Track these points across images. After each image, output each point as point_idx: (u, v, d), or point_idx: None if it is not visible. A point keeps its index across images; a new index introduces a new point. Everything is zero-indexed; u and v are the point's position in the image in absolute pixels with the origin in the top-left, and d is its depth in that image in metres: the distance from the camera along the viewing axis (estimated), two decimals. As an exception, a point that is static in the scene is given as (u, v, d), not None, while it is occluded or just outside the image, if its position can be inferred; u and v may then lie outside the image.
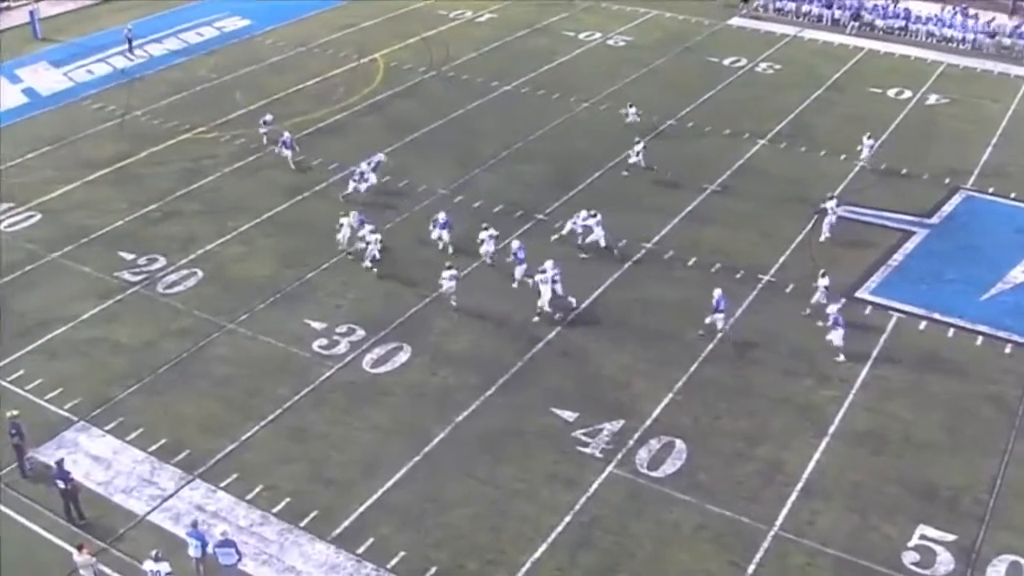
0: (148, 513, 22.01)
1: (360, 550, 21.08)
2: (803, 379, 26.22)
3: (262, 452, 23.76)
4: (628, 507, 22.20)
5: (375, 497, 22.42)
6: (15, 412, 23.03)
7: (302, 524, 21.69)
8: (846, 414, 25.02)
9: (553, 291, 28.10)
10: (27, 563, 20.78)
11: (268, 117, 38.65)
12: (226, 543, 19.83)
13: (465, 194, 35.14)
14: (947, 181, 36.42)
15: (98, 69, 46.83)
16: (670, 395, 25.62)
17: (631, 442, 23.99)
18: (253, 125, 39.17)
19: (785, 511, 22.08)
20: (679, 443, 23.98)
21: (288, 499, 22.33)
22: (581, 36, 50.80)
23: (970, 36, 50.58)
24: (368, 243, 30.57)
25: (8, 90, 44.44)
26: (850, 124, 40.53)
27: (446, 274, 28.58)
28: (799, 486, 22.76)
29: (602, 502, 22.32)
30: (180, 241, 32.33)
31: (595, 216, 31.31)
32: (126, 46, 48.05)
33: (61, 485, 21.41)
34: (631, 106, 39.45)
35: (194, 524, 20.52)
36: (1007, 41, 50.04)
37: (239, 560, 19.97)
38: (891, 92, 44.39)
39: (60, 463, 21.58)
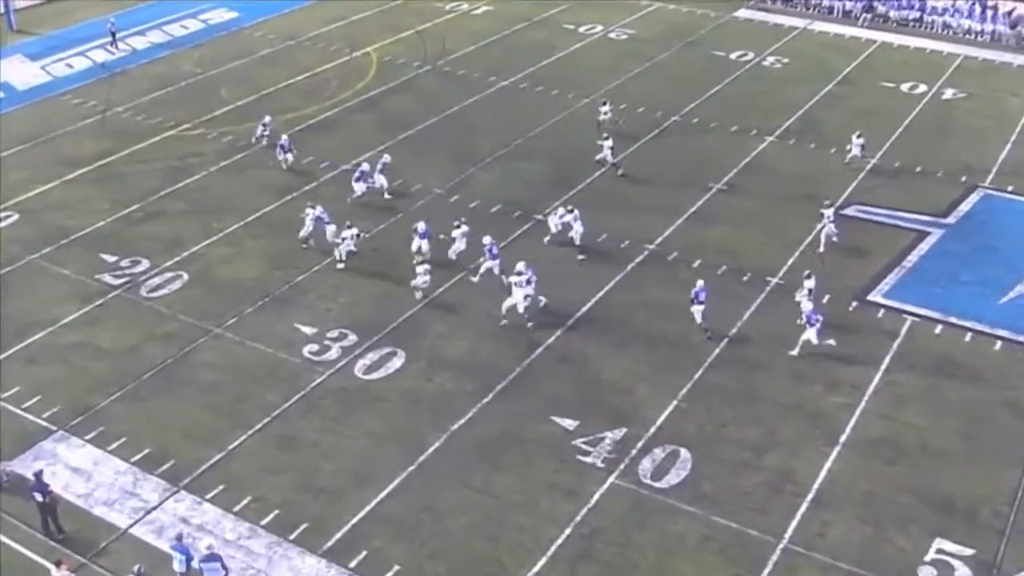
0: (130, 526, 22.00)
1: (352, 564, 21.08)
2: (813, 385, 26.26)
3: (250, 462, 23.77)
4: (631, 518, 22.21)
5: (368, 508, 22.42)
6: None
7: (292, 537, 21.69)
8: (858, 421, 25.05)
9: (525, 295, 28.11)
10: (4, 578, 20.83)
11: (267, 119, 38.45)
12: (212, 557, 19.83)
13: (461, 194, 35.19)
14: (964, 179, 36.48)
15: (77, 63, 46.92)
16: (674, 402, 25.64)
17: (634, 451, 24.01)
18: (241, 122, 39.25)
19: (794, 523, 22.09)
20: (684, 452, 24.00)
21: (277, 511, 22.33)
22: (581, 29, 50.89)
23: (989, 27, 50.65)
24: (343, 239, 30.71)
25: (-18, 85, 44.59)
26: (861, 120, 40.56)
27: (419, 268, 28.90)
28: (809, 497, 22.77)
29: (604, 513, 22.33)
30: (164, 242, 32.36)
31: (572, 211, 31.64)
32: (109, 39, 48.09)
33: (39, 498, 21.37)
34: (604, 103, 39.27)
35: (179, 538, 20.50)
36: (1028, 32, 50.20)
37: (226, 575, 19.98)
38: (905, 86, 44.48)
39: (39, 475, 21.55)
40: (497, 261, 29.77)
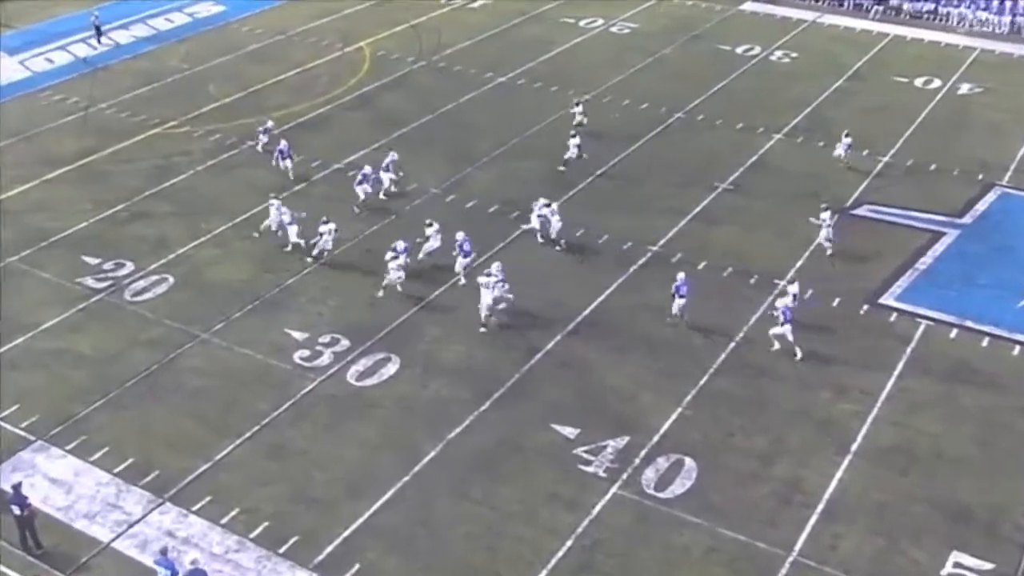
0: (113, 540, 21.93)
1: (344, 578, 21.11)
2: (822, 391, 26.25)
3: (239, 472, 23.73)
4: (634, 530, 22.19)
5: (361, 520, 22.38)
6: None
7: (282, 550, 21.65)
8: (870, 429, 25.03)
9: (496, 297, 28.22)
10: (-20, 595, 20.81)
11: (269, 124, 38.06)
12: (197, 572, 19.77)
13: (457, 193, 35.21)
14: (980, 177, 36.51)
15: (58, 58, 46.95)
16: (679, 409, 25.63)
17: (637, 460, 23.99)
18: (229, 119, 39.26)
19: (804, 535, 22.06)
20: (688, 461, 23.97)
21: (267, 523, 22.29)
22: (582, 23, 50.95)
23: (1007, 19, 50.65)
24: (320, 234, 30.90)
25: (-41, 81, 44.57)
26: (873, 117, 40.68)
27: (393, 264, 29.02)
28: (819, 508, 22.75)
29: (606, 525, 22.31)
30: (149, 244, 32.35)
31: (549, 205, 31.91)
32: (92, 33, 48.04)
33: (17, 511, 21.29)
34: (577, 103, 39.07)
35: (163, 551, 20.46)
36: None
37: (212, 589, 19.99)
38: (918, 81, 44.52)
39: (17, 487, 21.46)
40: (469, 259, 29.96)
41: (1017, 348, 27.89)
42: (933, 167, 37.17)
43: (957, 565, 21.29)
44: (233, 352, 27.59)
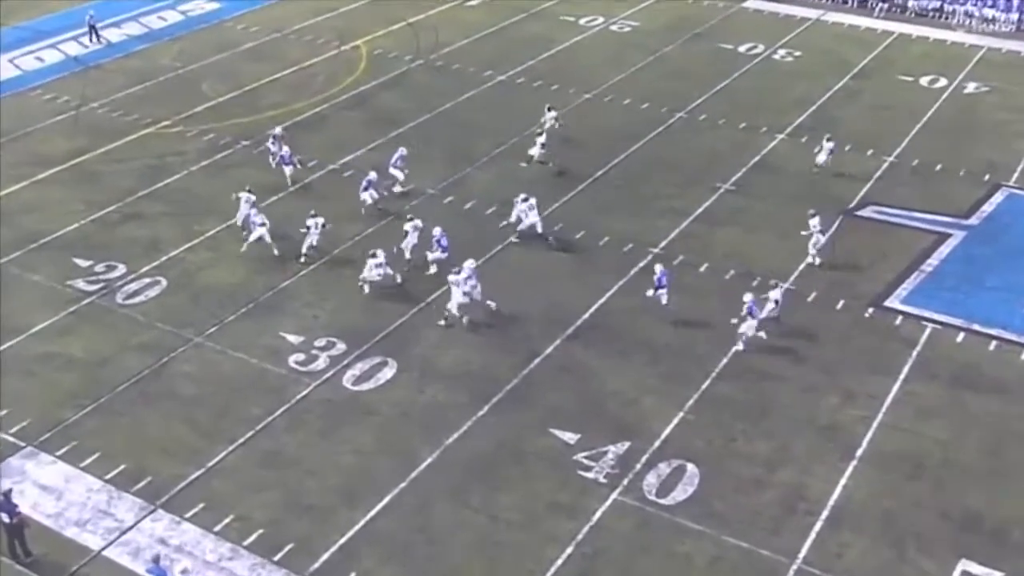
0: (104, 548, 21.86)
1: (340, 587, 21.05)
2: (827, 396, 26.20)
3: (232, 479, 23.66)
4: (635, 538, 22.13)
5: (357, 527, 22.32)
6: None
7: (276, 558, 21.58)
8: (875, 435, 24.98)
9: (469, 296, 28.22)
10: (-31, 604, 20.73)
11: (278, 131, 37.08)
12: (189, 581, 19.78)
13: (456, 194, 35.16)
14: (987, 178, 36.49)
15: (49, 56, 46.87)
16: (680, 414, 25.58)
17: (638, 466, 23.94)
18: (223, 119, 39.18)
19: (809, 543, 22.00)
20: (691, 467, 23.93)
21: (261, 530, 22.22)
22: (582, 21, 50.92)
23: (1014, 16, 50.61)
24: (307, 228, 30.99)
25: (-53, 79, 44.49)
26: (878, 116, 40.63)
27: (371, 262, 29.15)
28: (824, 515, 22.70)
29: (607, 532, 22.25)
30: (142, 246, 32.29)
31: (527, 200, 32.01)
32: (86, 32, 47.83)
33: (6, 519, 21.20)
34: (550, 109, 38.46)
35: (155, 560, 20.42)
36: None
37: (205, 598, 19.93)
38: (924, 80, 44.50)
39: (7, 494, 21.35)
40: (445, 255, 30.04)
41: (1025, 352, 27.91)
42: (939, 167, 37.14)
43: (965, 574, 21.25)
44: (227, 356, 27.52)
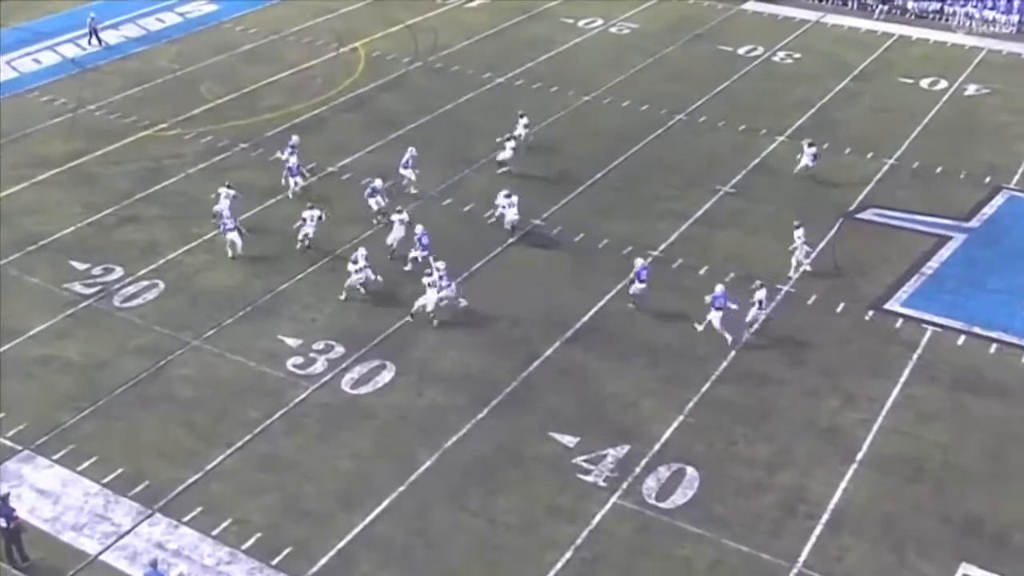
0: (101, 553, 21.83)
1: (338, 591, 21.03)
2: (827, 399, 26.19)
3: (230, 482, 23.64)
4: (635, 541, 22.11)
5: (356, 531, 22.30)
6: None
7: (274, 562, 21.55)
8: (876, 438, 24.98)
9: (446, 298, 28.36)
10: (-36, 609, 20.71)
11: (294, 139, 36.15)
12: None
13: (455, 196, 35.16)
14: (988, 180, 36.50)
15: (46, 58, 46.84)
16: (680, 417, 25.57)
17: (638, 469, 23.92)
18: (220, 121, 39.15)
19: (809, 546, 21.99)
20: (691, 470, 23.92)
21: (259, 534, 22.19)
22: (582, 23, 50.94)
23: (1015, 18, 50.63)
24: (303, 219, 31.21)
25: (-55, 81, 44.47)
26: (878, 118, 40.62)
27: (353, 268, 29.20)
28: (825, 518, 22.68)
29: (606, 536, 22.23)
30: (139, 249, 32.27)
31: (509, 196, 32.40)
32: (86, 34, 47.65)
33: (2, 523, 21.16)
34: (522, 116, 38.10)
35: (153, 564, 20.42)
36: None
37: (203, 603, 19.91)
38: (924, 82, 44.52)
39: (4, 499, 21.33)
40: (425, 252, 30.16)
41: (1026, 355, 27.91)
42: (939, 170, 37.15)
43: (966, 578, 21.31)
44: (225, 359, 27.50)
